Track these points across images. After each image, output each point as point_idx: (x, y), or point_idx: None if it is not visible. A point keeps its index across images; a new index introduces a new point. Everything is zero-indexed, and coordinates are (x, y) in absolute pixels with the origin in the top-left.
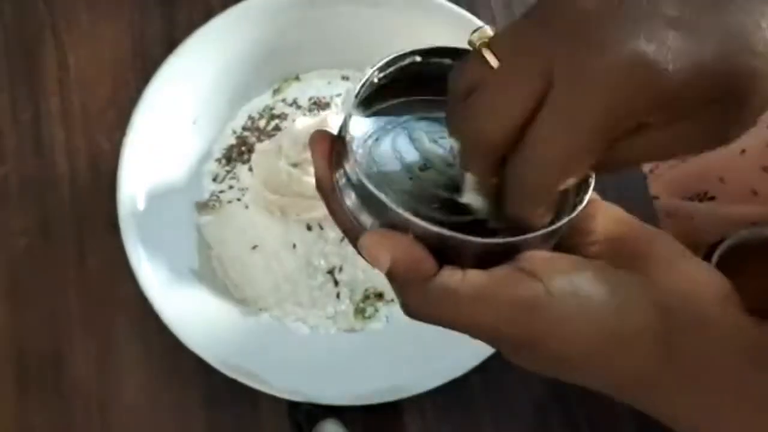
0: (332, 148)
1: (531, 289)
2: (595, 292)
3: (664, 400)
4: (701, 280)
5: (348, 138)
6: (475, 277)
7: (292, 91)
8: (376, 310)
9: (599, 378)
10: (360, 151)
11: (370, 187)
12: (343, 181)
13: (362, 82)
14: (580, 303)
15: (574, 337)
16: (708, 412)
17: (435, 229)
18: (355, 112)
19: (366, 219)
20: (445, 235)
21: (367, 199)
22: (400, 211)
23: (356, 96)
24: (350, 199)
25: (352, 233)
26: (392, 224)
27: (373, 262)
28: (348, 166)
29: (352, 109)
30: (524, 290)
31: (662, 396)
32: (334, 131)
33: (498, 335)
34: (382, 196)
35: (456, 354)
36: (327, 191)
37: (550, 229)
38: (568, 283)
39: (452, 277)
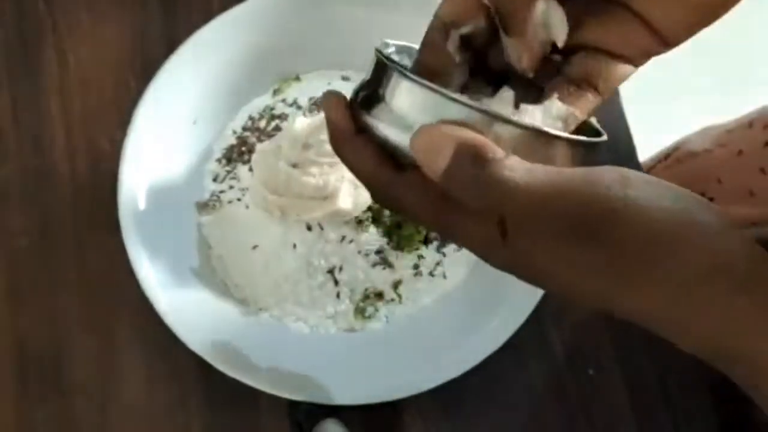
0: (347, 104)
1: (607, 171)
2: (671, 186)
3: (731, 313)
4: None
5: (389, 52)
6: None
7: (292, 92)
8: (376, 310)
9: (668, 277)
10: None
11: (428, 84)
12: (379, 107)
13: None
14: (661, 189)
15: (657, 216)
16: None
17: (502, 114)
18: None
19: (407, 139)
20: (509, 120)
21: (419, 106)
22: (464, 98)
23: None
24: (390, 123)
25: (380, 175)
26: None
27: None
28: (391, 84)
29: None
30: (600, 171)
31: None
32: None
33: (573, 209)
34: (443, 90)
35: (456, 354)
36: (345, 139)
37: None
38: (644, 176)
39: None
